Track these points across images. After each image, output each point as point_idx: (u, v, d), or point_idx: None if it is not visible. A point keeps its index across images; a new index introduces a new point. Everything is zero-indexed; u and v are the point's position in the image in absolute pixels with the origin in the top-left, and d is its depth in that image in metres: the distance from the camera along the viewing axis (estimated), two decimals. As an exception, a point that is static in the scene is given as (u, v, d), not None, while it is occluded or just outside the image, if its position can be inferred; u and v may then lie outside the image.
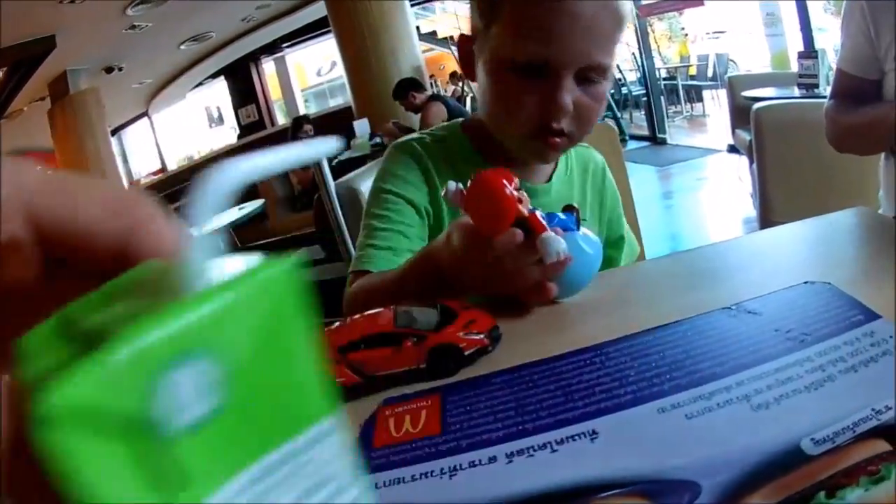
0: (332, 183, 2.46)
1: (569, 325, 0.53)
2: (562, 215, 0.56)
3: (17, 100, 7.21)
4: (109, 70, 8.02)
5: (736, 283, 0.53)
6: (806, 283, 0.49)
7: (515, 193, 0.50)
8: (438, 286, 0.60)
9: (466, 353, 0.48)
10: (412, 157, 0.81)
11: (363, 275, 0.75)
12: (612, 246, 0.93)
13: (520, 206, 0.50)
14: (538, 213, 0.52)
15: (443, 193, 0.53)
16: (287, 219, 4.96)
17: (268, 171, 0.15)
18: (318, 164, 2.47)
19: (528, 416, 0.40)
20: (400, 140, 0.84)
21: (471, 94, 6.45)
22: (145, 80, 9.85)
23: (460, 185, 0.52)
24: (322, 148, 0.16)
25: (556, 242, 0.50)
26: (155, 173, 12.39)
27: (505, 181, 0.50)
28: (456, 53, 0.82)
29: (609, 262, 0.91)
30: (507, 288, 0.54)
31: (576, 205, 0.85)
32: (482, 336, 0.49)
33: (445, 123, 0.88)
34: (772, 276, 0.54)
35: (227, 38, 9.24)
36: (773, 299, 0.49)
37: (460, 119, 0.88)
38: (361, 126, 2.35)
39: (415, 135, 0.85)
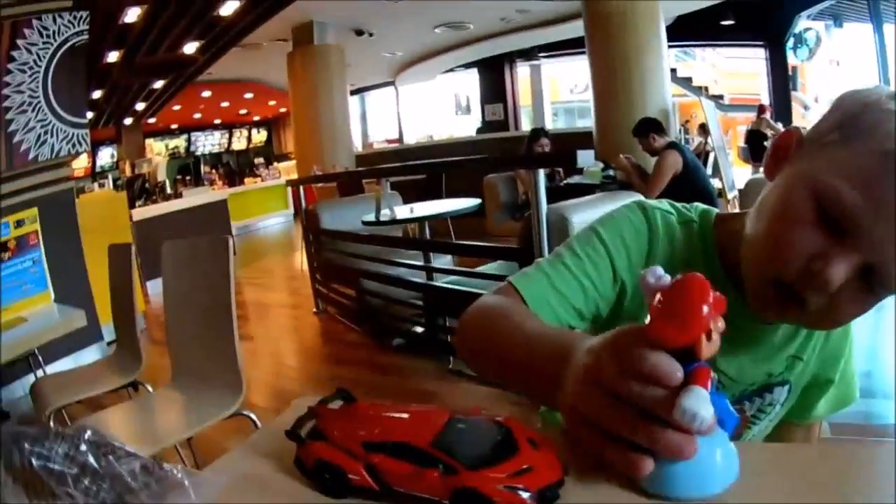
0: (544, 205, 2.40)
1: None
2: (730, 406, 0.43)
3: (255, 33, 7.62)
4: (360, 33, 8.50)
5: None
6: None
7: (712, 324, 0.39)
8: (550, 382, 0.49)
9: (499, 509, 0.39)
10: (648, 229, 0.72)
11: (514, 293, 0.69)
12: (814, 385, 0.79)
13: (703, 339, 0.38)
14: (711, 373, 0.40)
15: (641, 271, 0.42)
16: (501, 224, 4.92)
17: None
18: (535, 184, 2.40)
19: None
20: (648, 203, 0.74)
21: (713, 152, 5.96)
22: (396, 51, 10.46)
23: (667, 279, 0.42)
24: None
25: (704, 407, 0.38)
26: (390, 141, 13.33)
27: (707, 305, 0.39)
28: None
29: (803, 401, 0.80)
30: (600, 426, 0.42)
31: (749, 410, 0.74)
32: (528, 495, 0.39)
33: (702, 207, 0.75)
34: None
35: (484, 34, 9.53)
36: None
37: (719, 213, 0.74)
38: (585, 157, 2.23)
39: (665, 204, 0.75)
